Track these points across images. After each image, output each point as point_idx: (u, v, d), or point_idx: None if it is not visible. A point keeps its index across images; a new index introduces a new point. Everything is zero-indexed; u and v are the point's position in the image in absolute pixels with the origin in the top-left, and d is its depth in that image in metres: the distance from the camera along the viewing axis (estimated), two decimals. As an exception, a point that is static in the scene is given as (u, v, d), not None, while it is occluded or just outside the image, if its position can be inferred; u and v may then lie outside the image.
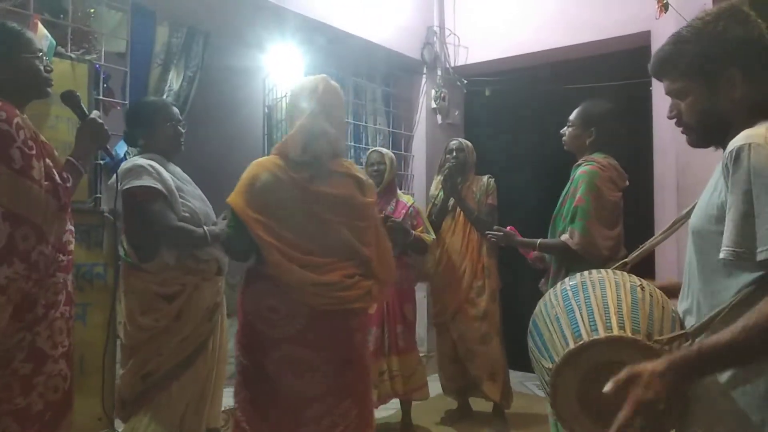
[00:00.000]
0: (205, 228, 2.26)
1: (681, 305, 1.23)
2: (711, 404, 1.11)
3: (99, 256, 2.73)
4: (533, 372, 1.38)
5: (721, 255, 1.05)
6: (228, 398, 2.37)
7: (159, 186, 2.18)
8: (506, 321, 3.52)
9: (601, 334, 1.14)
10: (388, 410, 3.58)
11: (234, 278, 3.26)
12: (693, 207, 1.27)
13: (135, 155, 2.39)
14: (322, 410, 1.93)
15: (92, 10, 2.86)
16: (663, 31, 3.26)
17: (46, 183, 1.85)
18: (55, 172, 1.91)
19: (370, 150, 3.59)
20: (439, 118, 4.84)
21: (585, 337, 1.15)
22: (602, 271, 1.33)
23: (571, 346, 1.16)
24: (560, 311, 1.25)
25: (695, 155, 2.17)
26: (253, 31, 3.72)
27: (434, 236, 3.40)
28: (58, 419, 1.92)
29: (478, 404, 3.68)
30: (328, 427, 1.92)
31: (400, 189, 4.04)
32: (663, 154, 3.81)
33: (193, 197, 2.33)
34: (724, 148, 1.13)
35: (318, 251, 1.92)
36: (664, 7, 3.26)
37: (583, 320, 1.18)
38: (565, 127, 2.59)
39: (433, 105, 4.78)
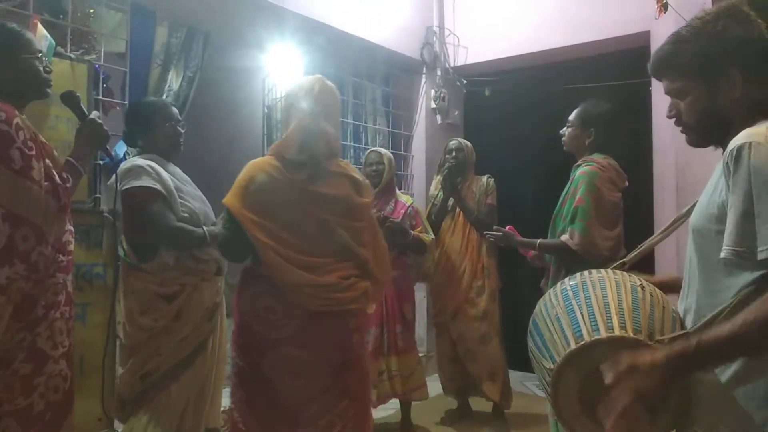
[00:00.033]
0: (205, 228, 2.26)
1: (681, 304, 1.23)
2: (712, 404, 1.11)
3: (98, 257, 2.72)
4: (533, 372, 1.37)
5: (722, 254, 1.05)
6: (227, 398, 2.37)
7: (158, 186, 2.18)
8: (506, 321, 3.52)
9: (603, 334, 1.13)
10: (387, 410, 3.58)
11: (234, 278, 3.22)
12: (692, 207, 1.27)
13: (134, 155, 2.39)
14: (319, 411, 1.92)
15: (92, 11, 2.86)
16: (662, 31, 3.25)
17: (45, 183, 1.85)
18: (55, 173, 1.91)
19: (369, 150, 3.59)
20: (438, 118, 4.84)
21: (586, 337, 1.15)
22: (602, 270, 1.33)
23: (573, 346, 1.16)
24: (561, 311, 1.24)
25: (695, 155, 2.17)
26: (252, 31, 3.72)
27: (433, 236, 3.40)
28: (59, 419, 1.92)
29: (478, 404, 3.68)
30: (324, 427, 1.92)
31: (400, 189, 4.04)
32: (662, 154, 3.81)
33: (192, 197, 2.33)
34: (724, 147, 1.13)
35: (315, 252, 1.92)
36: (664, 7, 3.26)
37: (584, 320, 1.18)
38: (565, 128, 2.59)
39: (433, 105, 4.78)
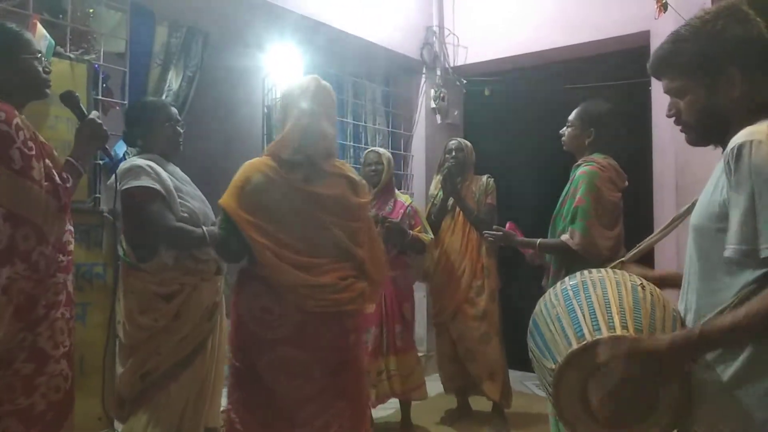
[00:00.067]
0: (204, 228, 2.26)
1: (681, 303, 1.23)
2: (713, 404, 1.11)
3: (98, 256, 2.72)
4: (533, 371, 1.37)
5: (726, 253, 1.05)
6: (226, 398, 2.37)
7: (157, 186, 2.18)
8: (506, 321, 3.52)
9: (604, 333, 1.13)
10: (387, 410, 3.58)
11: (233, 278, 3.25)
12: (691, 205, 1.27)
13: (134, 155, 2.39)
14: (315, 411, 1.92)
15: (91, 10, 2.86)
16: (662, 30, 3.24)
17: (46, 183, 1.85)
18: (55, 173, 1.90)
19: (368, 150, 3.58)
20: (438, 118, 4.83)
21: (588, 337, 1.15)
22: (602, 270, 1.33)
23: (575, 345, 1.16)
24: (561, 311, 1.24)
25: (694, 154, 2.17)
26: (252, 31, 3.72)
27: (432, 236, 3.39)
28: (60, 419, 1.92)
29: (478, 404, 3.68)
30: (321, 427, 1.92)
31: (400, 189, 4.04)
32: (662, 154, 3.81)
33: (192, 197, 2.33)
34: (724, 146, 1.13)
35: (311, 252, 1.91)
36: (663, 7, 3.26)
37: (585, 320, 1.18)
38: (565, 128, 2.59)
39: (433, 105, 4.77)
